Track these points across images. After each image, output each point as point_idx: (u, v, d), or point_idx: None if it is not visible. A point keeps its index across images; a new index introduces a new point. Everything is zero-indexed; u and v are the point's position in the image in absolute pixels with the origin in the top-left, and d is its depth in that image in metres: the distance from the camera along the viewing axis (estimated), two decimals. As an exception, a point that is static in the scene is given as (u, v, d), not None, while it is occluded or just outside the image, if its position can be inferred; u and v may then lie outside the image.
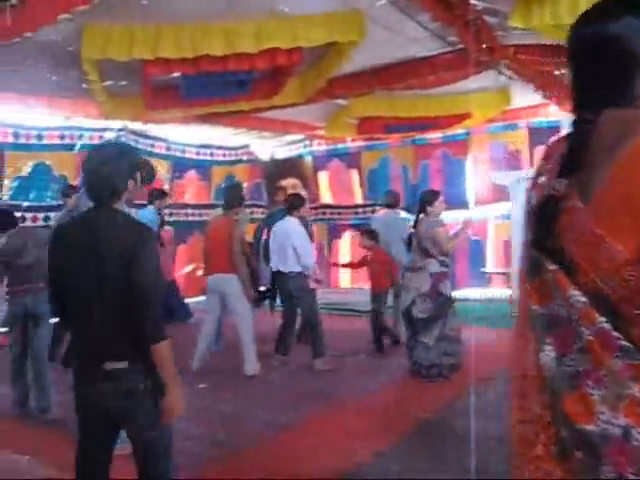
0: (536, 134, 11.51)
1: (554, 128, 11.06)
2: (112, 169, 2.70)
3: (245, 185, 12.75)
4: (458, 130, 11.99)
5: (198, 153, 12.99)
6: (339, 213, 14.10)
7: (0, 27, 5.07)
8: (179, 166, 12.54)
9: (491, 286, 11.92)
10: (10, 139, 9.74)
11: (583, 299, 1.38)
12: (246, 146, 13.90)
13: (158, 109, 7.99)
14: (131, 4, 5.48)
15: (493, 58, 7.22)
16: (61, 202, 8.45)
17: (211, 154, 13.27)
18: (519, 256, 1.65)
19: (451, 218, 8.65)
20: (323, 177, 14.40)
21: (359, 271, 8.83)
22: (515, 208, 11.11)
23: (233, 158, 13.75)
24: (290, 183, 12.58)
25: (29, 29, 5.23)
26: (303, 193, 13.90)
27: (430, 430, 4.89)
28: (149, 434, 2.69)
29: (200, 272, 10.15)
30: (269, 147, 14.38)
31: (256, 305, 7.53)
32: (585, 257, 1.38)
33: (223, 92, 7.44)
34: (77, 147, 10.36)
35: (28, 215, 9.55)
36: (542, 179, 1.59)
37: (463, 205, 12.11)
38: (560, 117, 10.77)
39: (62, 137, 10.30)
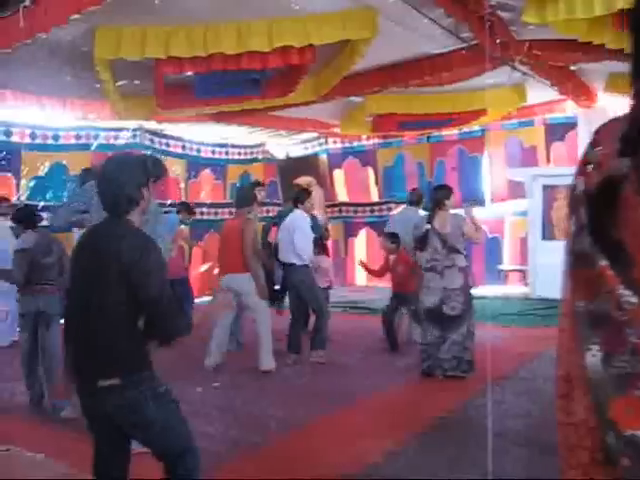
0: (552, 130, 11.43)
1: (570, 124, 10.98)
2: (125, 178, 2.70)
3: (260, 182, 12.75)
4: (474, 127, 11.93)
5: (213, 152, 13.04)
6: (355, 211, 14.10)
7: (14, 28, 5.12)
8: (194, 165, 12.60)
9: (507, 283, 11.84)
10: (27, 139, 9.85)
11: (634, 299, 1.26)
12: (261, 144, 13.93)
13: (171, 109, 8.02)
14: (143, 3, 5.50)
15: (508, 54, 7.16)
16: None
17: (226, 153, 13.30)
18: (565, 249, 1.48)
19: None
20: (338, 175, 14.40)
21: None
22: (531, 205, 11.05)
23: (248, 157, 13.79)
24: (305, 181, 12.54)
25: (42, 30, 5.27)
26: (320, 191, 14.06)
27: (444, 429, 4.86)
28: (160, 439, 2.69)
29: (216, 271, 10.18)
30: (284, 145, 14.40)
31: (272, 304, 7.53)
32: None
33: (236, 91, 7.44)
34: (93, 147, 10.44)
35: (44, 215, 9.61)
36: (590, 168, 1.45)
37: (479, 202, 12.05)
38: (576, 113, 10.68)
39: (78, 137, 10.41)
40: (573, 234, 1.46)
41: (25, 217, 5.68)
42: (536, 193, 10.96)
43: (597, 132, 1.53)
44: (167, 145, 11.87)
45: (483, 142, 12.38)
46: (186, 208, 8.98)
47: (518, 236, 11.81)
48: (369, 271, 8.49)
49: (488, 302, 10.03)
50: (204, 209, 12.52)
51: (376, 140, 13.40)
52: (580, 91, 9.42)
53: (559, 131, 11.38)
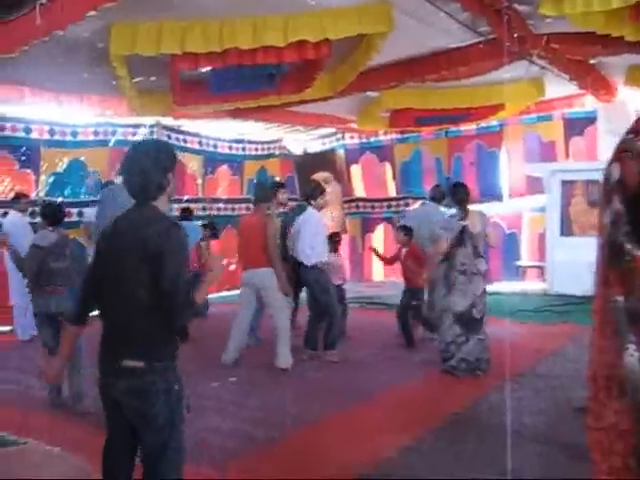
0: (571, 125, 11.32)
1: (590, 119, 10.86)
2: (151, 164, 2.71)
3: (278, 179, 12.78)
4: (492, 122, 11.85)
5: (230, 148, 13.07)
6: (372, 207, 14.05)
7: (31, 26, 5.16)
8: (211, 161, 12.63)
9: (525, 279, 11.76)
10: (46, 136, 9.92)
11: None
12: (278, 140, 13.93)
13: (187, 105, 8.04)
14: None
15: (525, 48, 7.09)
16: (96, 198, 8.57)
17: (243, 149, 13.33)
18: (598, 241, 1.42)
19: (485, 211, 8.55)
20: (356, 170, 14.35)
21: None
22: (550, 200, 10.95)
23: (265, 152, 13.80)
24: (322, 177, 12.53)
25: (59, 27, 5.31)
26: (337, 187, 14.02)
27: (460, 425, 4.83)
28: (157, 433, 2.66)
29: (233, 267, 10.21)
30: (301, 141, 14.39)
31: (294, 300, 7.55)
32: None
33: (252, 86, 7.45)
34: (111, 143, 10.51)
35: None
36: (628, 155, 1.41)
37: (497, 198, 11.98)
38: (596, 107, 10.56)
39: (96, 133, 10.48)
40: (608, 224, 1.41)
41: (52, 214, 5.72)
42: (554, 189, 10.85)
43: (638, 121, 1.49)
44: (184, 141, 11.91)
45: (501, 137, 12.28)
46: (211, 227, 9.68)
47: (536, 232, 11.71)
48: (379, 257, 8.54)
49: (505, 298, 9.96)
50: (221, 205, 12.58)
51: (393, 135, 13.34)
52: (599, 85, 9.31)
53: (578, 126, 11.26)
